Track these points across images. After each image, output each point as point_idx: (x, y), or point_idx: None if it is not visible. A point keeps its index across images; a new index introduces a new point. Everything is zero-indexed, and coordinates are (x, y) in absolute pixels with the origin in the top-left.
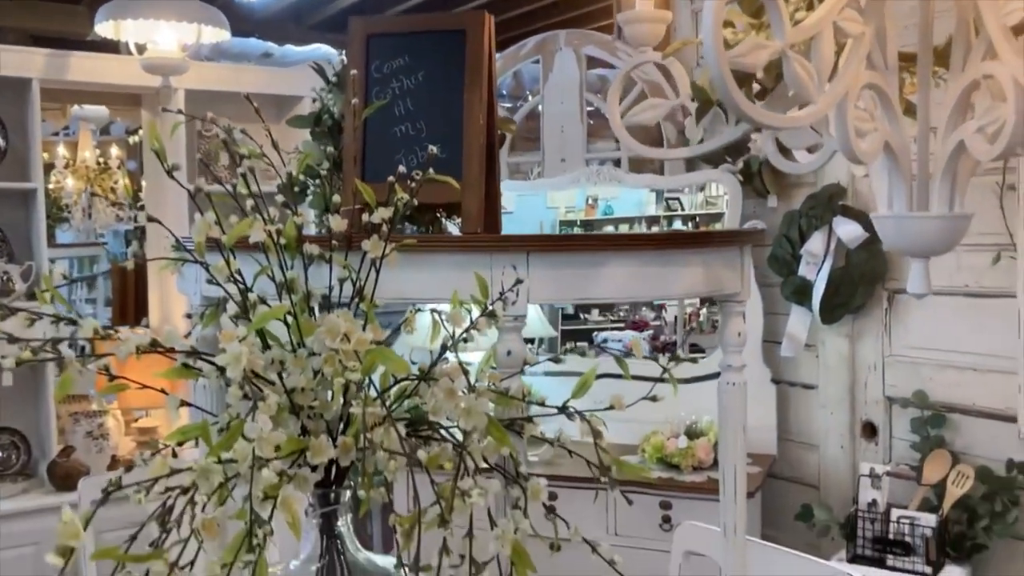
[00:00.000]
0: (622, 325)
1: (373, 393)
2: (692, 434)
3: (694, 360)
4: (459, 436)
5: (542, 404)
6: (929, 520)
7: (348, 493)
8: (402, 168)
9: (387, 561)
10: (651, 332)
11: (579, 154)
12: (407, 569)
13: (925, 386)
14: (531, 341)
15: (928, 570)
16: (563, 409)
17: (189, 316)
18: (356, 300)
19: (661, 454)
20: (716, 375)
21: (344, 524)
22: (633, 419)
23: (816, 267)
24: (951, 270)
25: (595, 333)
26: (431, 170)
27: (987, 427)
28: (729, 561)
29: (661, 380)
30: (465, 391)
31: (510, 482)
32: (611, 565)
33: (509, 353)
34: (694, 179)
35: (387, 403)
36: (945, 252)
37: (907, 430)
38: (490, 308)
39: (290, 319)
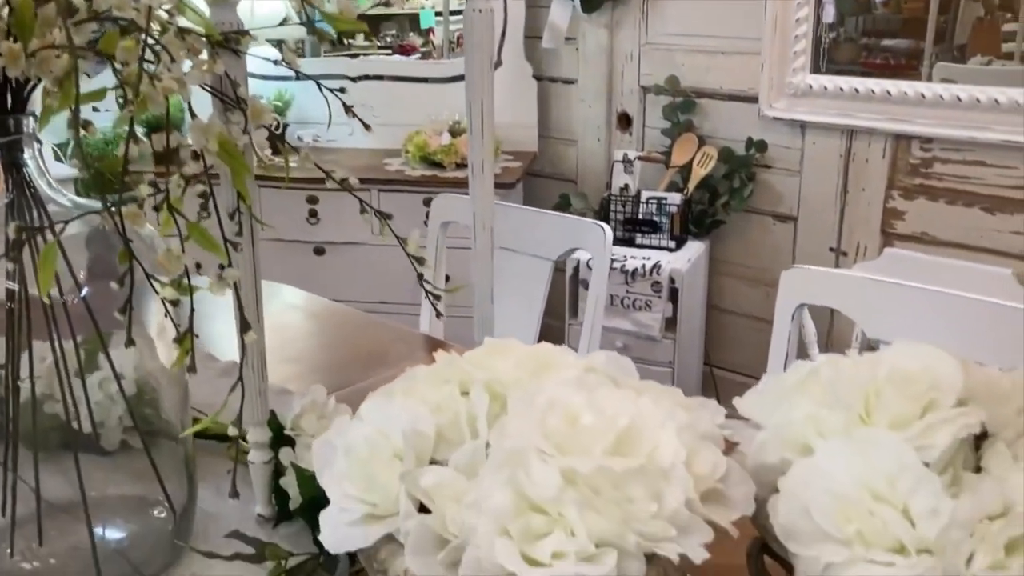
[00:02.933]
0: (389, 51)
1: None
2: (455, 132)
3: None
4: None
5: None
6: (675, 199)
7: (31, 121)
8: None
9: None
10: (419, 55)
11: None
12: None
13: (678, 73)
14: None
15: (672, 244)
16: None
17: None
18: None
19: (424, 152)
20: None
21: (32, 156)
22: (398, 123)
23: None
24: None
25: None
26: None
27: (731, 109)
28: (476, 202)
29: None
30: None
31: (229, 107)
32: (362, 203)
33: None
34: None
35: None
36: None
37: (659, 117)
38: None
39: None
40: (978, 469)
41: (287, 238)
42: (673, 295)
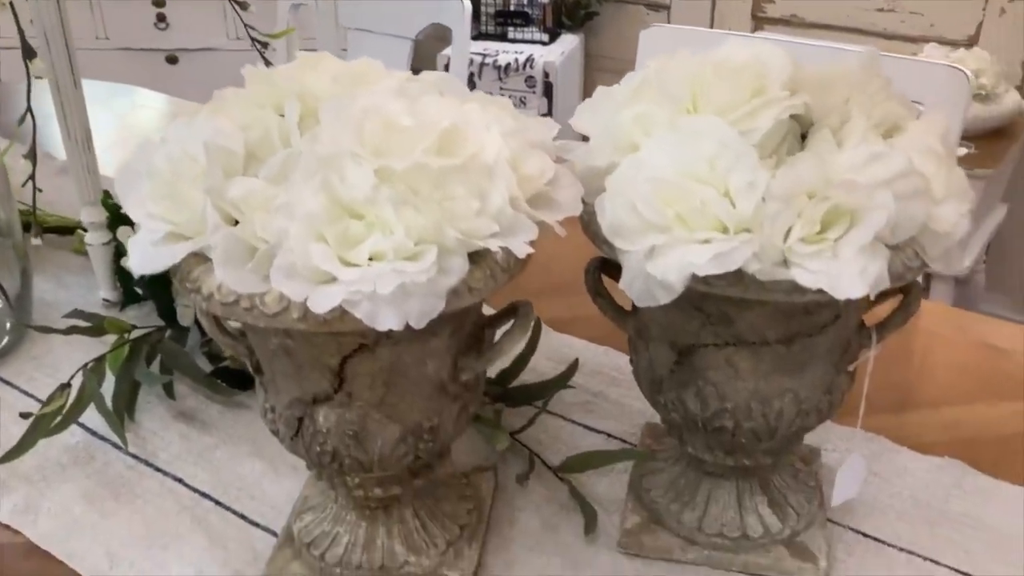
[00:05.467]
0: None
1: None
2: None
3: None
4: None
5: None
6: None
7: None
8: None
9: None
10: None
11: None
12: None
13: None
14: None
15: (545, 38)
16: None
17: None
18: None
19: None
20: None
21: None
22: None
23: None
24: None
25: None
26: None
27: None
28: None
29: None
30: None
31: None
32: None
33: None
34: None
35: None
36: None
37: None
38: None
39: None
40: None
41: (135, 47)
42: (548, 91)
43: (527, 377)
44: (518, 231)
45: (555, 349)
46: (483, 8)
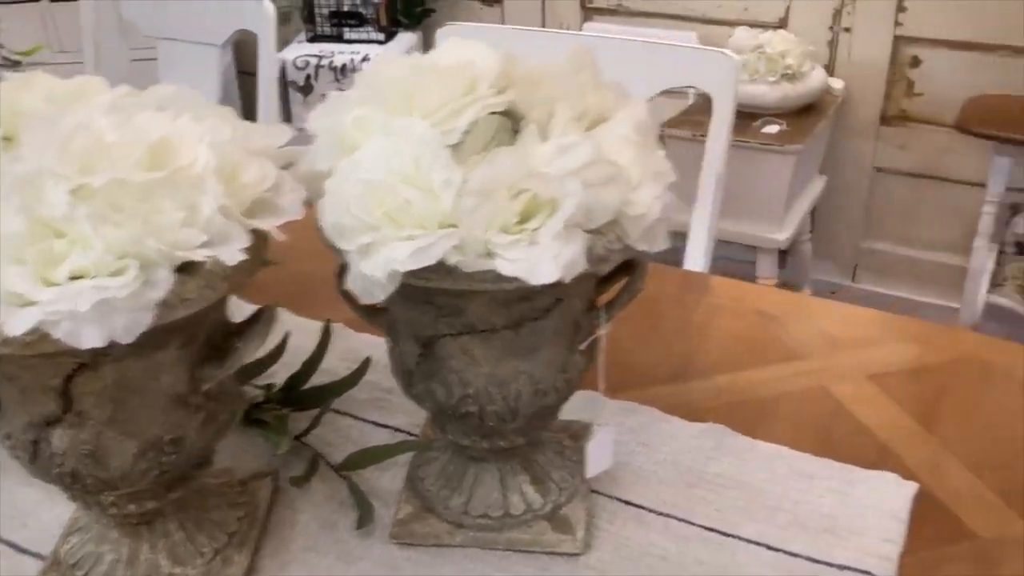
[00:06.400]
0: None
1: None
2: None
3: None
4: None
5: None
6: None
7: None
8: None
9: None
10: None
11: None
12: None
13: None
14: None
15: (381, 37)
16: None
17: None
18: None
19: None
20: None
21: None
22: None
23: None
24: None
25: None
26: None
27: None
28: None
29: None
30: None
31: None
32: None
33: None
34: None
35: None
36: None
37: None
38: None
39: None
40: None
41: None
42: None
43: (321, 379)
44: (231, 239)
45: (352, 349)
46: (317, 10)
